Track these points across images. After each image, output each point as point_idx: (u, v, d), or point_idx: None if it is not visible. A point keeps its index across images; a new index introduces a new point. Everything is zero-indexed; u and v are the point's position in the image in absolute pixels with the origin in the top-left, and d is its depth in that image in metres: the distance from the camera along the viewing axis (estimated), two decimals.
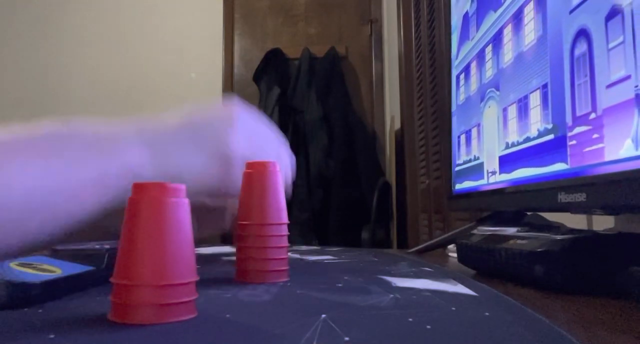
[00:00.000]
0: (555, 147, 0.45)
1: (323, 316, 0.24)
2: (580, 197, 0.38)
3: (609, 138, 0.37)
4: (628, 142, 0.34)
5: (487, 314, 0.25)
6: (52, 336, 0.20)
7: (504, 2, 0.59)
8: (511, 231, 0.47)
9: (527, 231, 0.46)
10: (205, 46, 2.80)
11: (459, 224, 1.06)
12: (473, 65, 0.71)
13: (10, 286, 0.25)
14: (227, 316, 0.24)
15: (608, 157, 0.37)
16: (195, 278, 0.25)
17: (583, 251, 0.37)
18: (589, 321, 0.28)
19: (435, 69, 1.51)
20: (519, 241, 0.42)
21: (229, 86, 2.77)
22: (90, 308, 0.26)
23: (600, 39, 0.38)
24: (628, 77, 0.34)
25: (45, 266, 0.29)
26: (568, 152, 0.43)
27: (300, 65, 2.60)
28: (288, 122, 2.48)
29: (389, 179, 2.42)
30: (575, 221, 0.59)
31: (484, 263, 0.47)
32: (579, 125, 0.41)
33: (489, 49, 0.64)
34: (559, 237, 0.38)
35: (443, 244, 0.75)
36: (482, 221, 0.67)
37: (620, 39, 0.35)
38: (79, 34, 2.85)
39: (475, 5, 0.70)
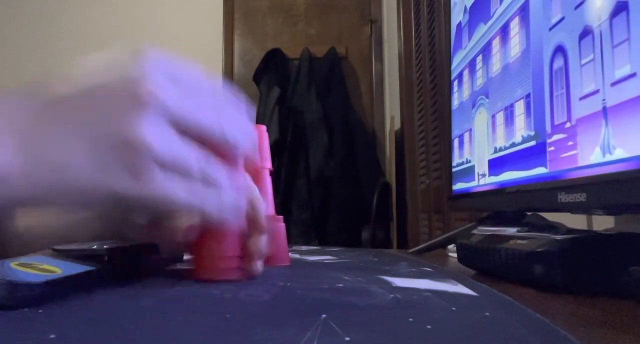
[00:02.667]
0: (536, 153, 0.49)
1: (323, 316, 0.24)
2: (580, 197, 0.38)
3: (581, 145, 0.40)
4: (597, 150, 0.38)
5: (487, 314, 0.25)
6: (52, 336, 0.20)
7: (493, 15, 0.63)
8: (511, 231, 0.47)
9: (527, 231, 0.46)
10: (205, 46, 2.80)
11: (459, 224, 1.06)
12: (465, 73, 0.75)
13: (11, 286, 0.25)
14: (227, 316, 0.24)
15: (580, 162, 0.41)
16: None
17: (583, 251, 0.37)
18: (589, 321, 0.28)
19: (435, 69, 1.51)
20: (519, 241, 0.42)
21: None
22: (91, 307, 0.26)
23: (574, 56, 0.42)
24: (597, 92, 0.38)
25: (46, 266, 0.29)
26: (547, 158, 0.46)
27: (300, 65, 2.60)
28: (288, 122, 2.48)
29: (389, 179, 2.42)
30: (575, 221, 0.59)
31: (484, 263, 0.47)
32: (557, 133, 0.45)
33: (479, 58, 0.68)
34: (558, 237, 0.38)
35: (443, 244, 0.75)
36: (482, 221, 0.68)
37: (591, 56, 0.39)
38: (79, 33, 2.85)
39: (467, 16, 0.74)
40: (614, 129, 0.36)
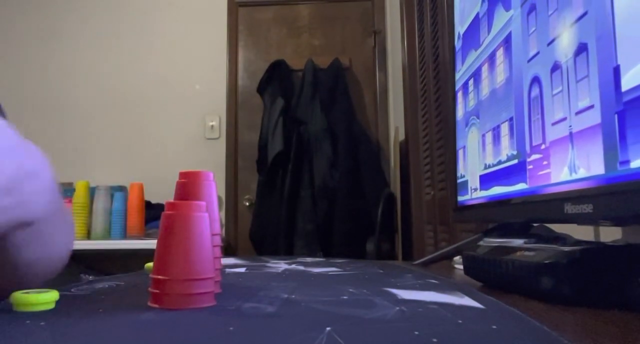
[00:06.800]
0: (518, 170, 0.55)
1: (328, 328, 0.23)
2: (587, 208, 0.38)
3: (553, 165, 0.46)
4: (565, 169, 0.43)
5: (494, 327, 0.25)
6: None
7: (482, 43, 0.69)
8: (518, 242, 0.47)
9: (533, 243, 0.45)
10: (210, 58, 2.82)
11: (465, 235, 1.05)
12: (460, 94, 0.81)
13: None
14: (231, 329, 0.24)
15: (553, 180, 0.46)
16: (212, 275, 0.30)
17: (591, 263, 0.36)
18: (597, 333, 0.27)
19: (439, 80, 1.52)
20: (525, 253, 0.41)
21: (233, 97, 2.78)
22: (94, 321, 0.26)
23: (547, 86, 0.48)
24: (565, 119, 0.44)
25: None
26: (527, 175, 0.52)
27: (304, 76, 2.61)
28: (292, 133, 2.49)
29: (393, 190, 2.42)
30: (582, 233, 0.59)
31: (490, 275, 0.46)
32: (534, 153, 0.51)
33: (471, 82, 0.74)
34: (566, 249, 0.38)
35: (449, 256, 0.74)
36: (488, 233, 0.67)
37: (560, 88, 0.45)
38: (83, 45, 2.88)
39: (460, 42, 0.81)
40: (577, 152, 0.42)
